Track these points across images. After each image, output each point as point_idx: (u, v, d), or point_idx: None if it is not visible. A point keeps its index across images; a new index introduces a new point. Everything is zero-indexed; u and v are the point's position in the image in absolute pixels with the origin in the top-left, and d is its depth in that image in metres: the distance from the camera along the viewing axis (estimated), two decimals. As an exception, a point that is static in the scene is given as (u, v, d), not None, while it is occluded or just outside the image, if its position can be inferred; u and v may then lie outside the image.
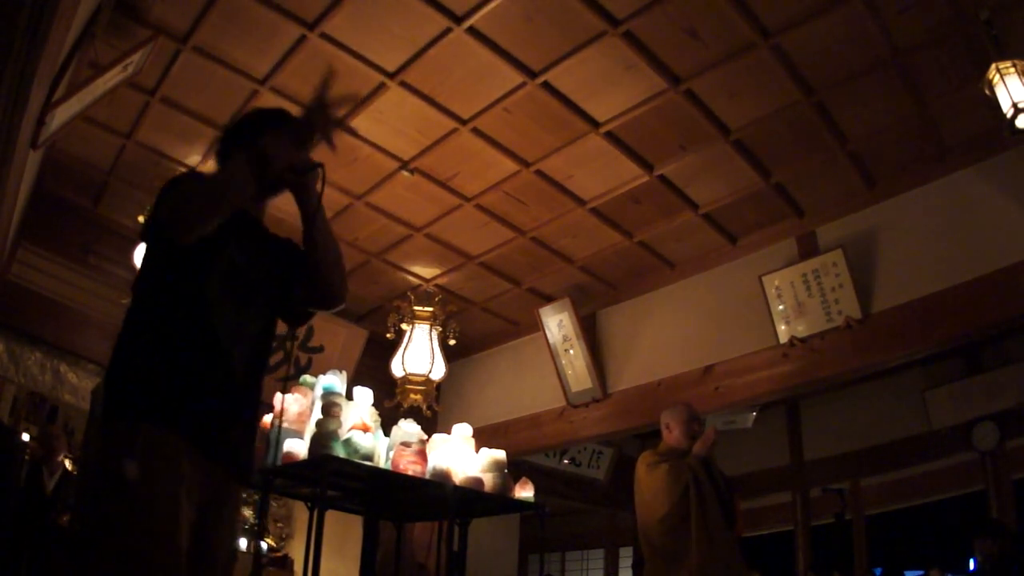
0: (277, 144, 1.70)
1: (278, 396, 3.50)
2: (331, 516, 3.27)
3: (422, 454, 3.40)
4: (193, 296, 1.64)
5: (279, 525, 6.05)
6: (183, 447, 1.55)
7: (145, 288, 1.71)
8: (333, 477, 3.24)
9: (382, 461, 3.34)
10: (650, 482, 3.52)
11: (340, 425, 3.26)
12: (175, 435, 1.55)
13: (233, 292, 1.70)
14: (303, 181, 1.76)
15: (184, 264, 1.64)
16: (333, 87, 1.73)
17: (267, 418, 3.47)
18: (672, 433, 3.67)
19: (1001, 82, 3.27)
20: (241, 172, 1.65)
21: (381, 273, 5.77)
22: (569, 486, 8.12)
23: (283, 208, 1.90)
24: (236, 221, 1.71)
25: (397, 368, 5.53)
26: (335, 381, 3.48)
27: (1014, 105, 3.24)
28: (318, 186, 1.77)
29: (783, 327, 4.74)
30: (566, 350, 5.73)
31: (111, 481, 1.50)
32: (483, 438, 4.50)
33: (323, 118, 1.74)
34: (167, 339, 1.62)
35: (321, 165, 1.77)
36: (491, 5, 3.46)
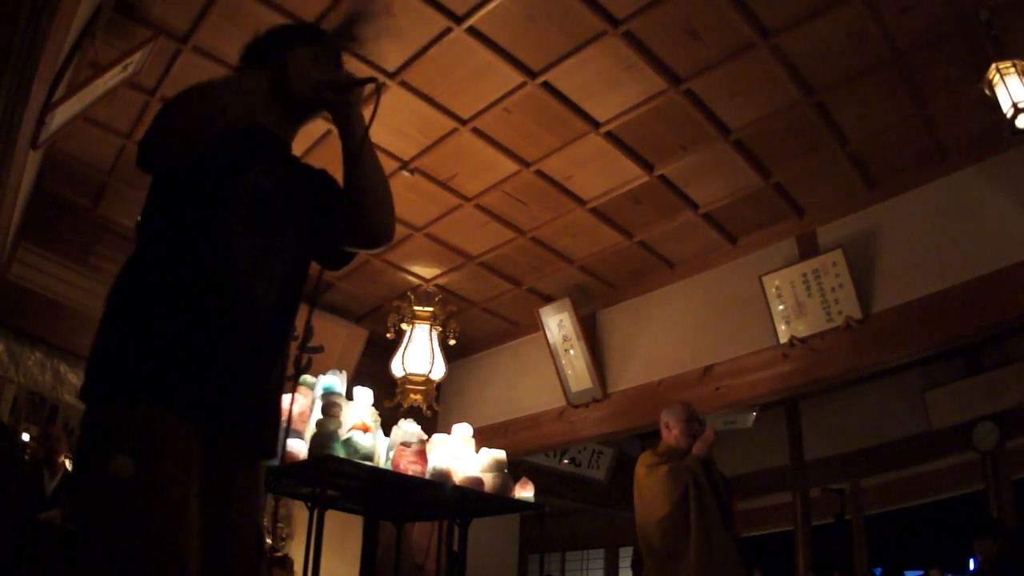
0: (304, 59, 1.53)
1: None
2: (331, 516, 3.27)
3: (422, 454, 3.40)
4: (208, 226, 1.38)
5: (279, 525, 6.05)
6: (192, 429, 1.29)
7: (149, 228, 1.44)
8: (333, 477, 3.24)
9: (382, 461, 3.34)
10: (649, 483, 3.52)
11: (340, 425, 3.25)
12: (181, 416, 1.28)
13: (257, 221, 1.43)
14: (347, 100, 1.53)
15: (198, 192, 1.39)
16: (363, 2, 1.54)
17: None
18: (672, 433, 3.67)
19: (1001, 82, 3.27)
20: (251, 82, 1.47)
21: (381, 273, 5.77)
22: (569, 486, 8.12)
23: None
24: (262, 143, 1.50)
25: (397, 368, 5.54)
26: (335, 381, 3.47)
27: (1014, 105, 3.24)
28: (367, 111, 1.52)
29: (783, 327, 4.74)
30: (566, 350, 5.73)
31: (103, 477, 1.19)
32: (483, 438, 4.50)
33: (354, 31, 1.56)
34: (174, 286, 1.34)
35: (373, 80, 1.53)
36: (491, 5, 3.46)
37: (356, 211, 1.58)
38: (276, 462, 1.55)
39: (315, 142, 4.36)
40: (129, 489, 1.20)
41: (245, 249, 1.40)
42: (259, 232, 1.44)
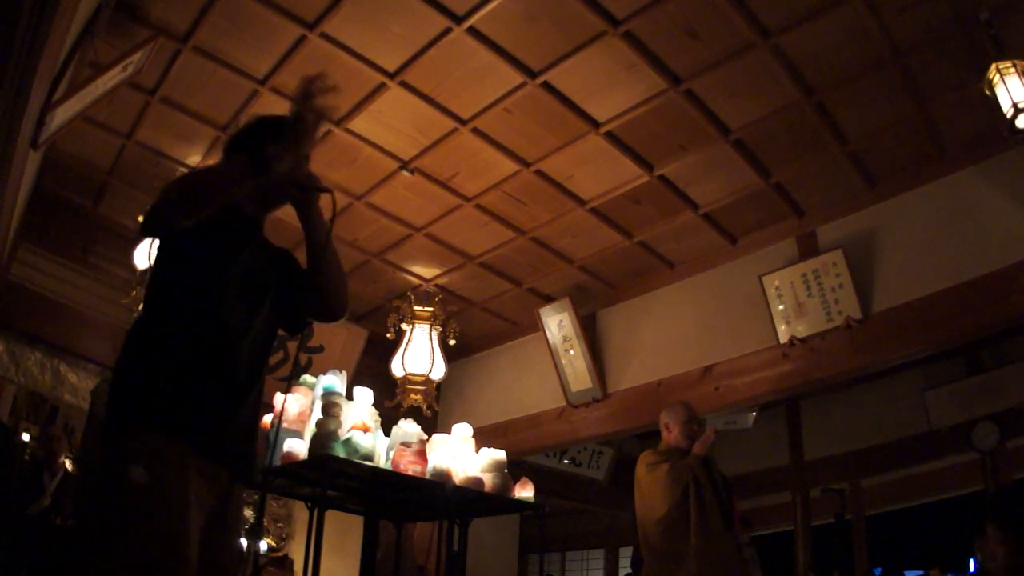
0: (279, 151, 1.74)
1: (278, 396, 3.50)
2: (331, 516, 3.27)
3: (422, 454, 3.40)
4: (209, 298, 1.69)
5: (279, 525, 6.05)
6: (190, 453, 1.59)
7: (156, 291, 1.76)
8: (333, 477, 3.24)
9: (382, 461, 3.34)
10: (650, 482, 3.52)
11: (340, 425, 3.25)
12: (181, 442, 1.58)
13: (245, 294, 1.76)
14: (307, 199, 1.78)
15: (201, 269, 1.71)
16: (316, 83, 1.72)
17: (267, 418, 3.47)
18: (671, 433, 3.67)
19: (1001, 82, 3.27)
20: (232, 171, 1.74)
21: (381, 273, 5.77)
22: (569, 486, 8.12)
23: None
24: (249, 229, 1.82)
25: (397, 368, 5.54)
26: (335, 381, 3.48)
27: (1014, 105, 3.24)
28: (327, 215, 1.79)
29: (783, 327, 4.74)
30: (566, 350, 5.73)
31: (119, 492, 1.52)
32: (483, 438, 4.50)
33: (309, 110, 1.73)
34: (176, 340, 1.66)
35: (329, 190, 1.78)
36: (491, 5, 3.46)
37: (318, 294, 1.90)
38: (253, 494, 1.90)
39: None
40: (142, 499, 1.50)
41: (236, 318, 1.73)
42: (246, 303, 1.77)
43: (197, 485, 1.58)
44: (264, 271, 1.85)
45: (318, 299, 1.91)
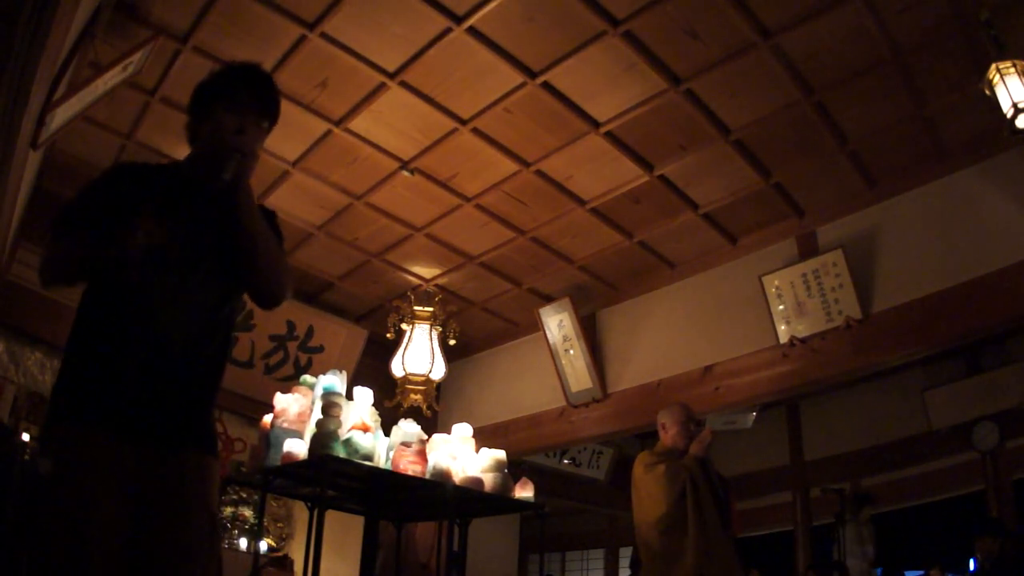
0: (212, 125, 1.73)
1: (278, 396, 3.50)
2: (331, 516, 3.27)
3: (422, 454, 3.40)
4: (116, 264, 1.58)
5: (279, 525, 6.05)
6: (104, 440, 1.52)
7: (83, 291, 1.70)
8: (333, 477, 3.24)
9: (382, 461, 3.34)
10: (647, 483, 3.52)
11: (340, 425, 3.25)
12: (94, 429, 1.52)
13: (169, 257, 1.63)
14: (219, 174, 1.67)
15: (108, 245, 1.58)
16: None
17: (267, 418, 3.47)
18: (668, 433, 3.67)
19: (1001, 82, 3.27)
20: (82, 248, 1.63)
21: (381, 273, 5.77)
22: (569, 486, 8.13)
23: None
24: (178, 189, 1.71)
25: (397, 368, 5.54)
26: (335, 381, 3.47)
27: (1014, 105, 3.24)
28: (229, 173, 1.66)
29: (783, 327, 4.74)
30: (566, 350, 5.73)
31: (33, 486, 1.59)
32: (483, 438, 4.50)
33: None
34: (94, 321, 1.63)
35: (232, 152, 1.67)
36: (491, 5, 3.46)
37: (244, 271, 1.74)
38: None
39: (315, 142, 4.37)
40: (47, 489, 1.50)
41: (155, 285, 1.62)
42: (170, 268, 1.64)
43: (121, 471, 1.51)
44: (199, 232, 1.69)
45: (246, 279, 1.75)
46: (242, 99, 1.74)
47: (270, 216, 1.87)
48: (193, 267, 1.67)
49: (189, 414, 1.67)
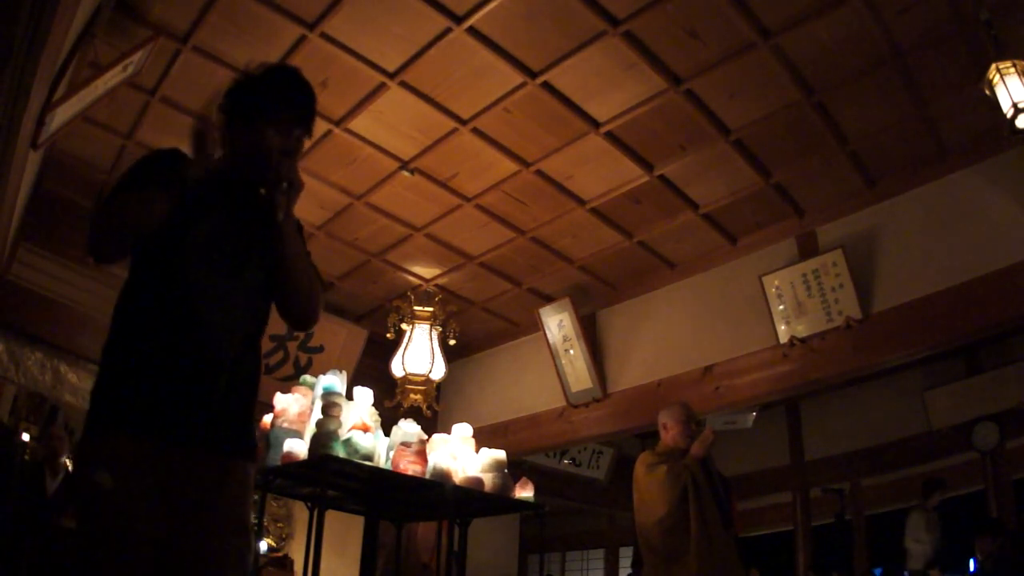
0: (254, 136, 1.67)
1: (278, 396, 3.51)
2: (331, 516, 3.27)
3: (422, 454, 3.40)
4: (169, 269, 1.57)
5: (279, 525, 6.05)
6: (150, 448, 1.49)
7: (124, 284, 1.64)
8: (333, 477, 3.24)
9: (382, 461, 3.34)
10: (649, 483, 3.52)
11: (340, 425, 3.25)
12: (141, 437, 1.49)
13: (215, 259, 1.61)
14: (270, 190, 1.64)
15: (157, 235, 1.56)
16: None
17: (267, 418, 3.47)
18: (669, 433, 3.67)
19: (1001, 82, 3.27)
20: (151, 195, 1.56)
21: (381, 273, 5.77)
22: (569, 486, 8.13)
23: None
24: (223, 188, 1.66)
25: (397, 368, 5.54)
26: (335, 381, 3.48)
27: (1014, 105, 3.24)
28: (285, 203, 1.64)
29: (783, 327, 4.74)
30: (566, 350, 5.73)
31: (77, 496, 1.54)
32: (483, 438, 4.50)
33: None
34: (139, 325, 1.56)
35: (286, 188, 1.63)
36: (491, 5, 3.46)
37: (279, 292, 1.72)
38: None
39: (315, 142, 4.37)
40: (89, 503, 1.48)
41: (205, 288, 1.58)
42: (218, 270, 1.61)
43: (163, 478, 1.48)
44: (244, 235, 1.65)
45: (279, 298, 1.73)
46: (287, 117, 1.70)
47: (299, 229, 1.83)
48: (239, 271, 1.65)
49: (235, 421, 1.64)
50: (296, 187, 1.65)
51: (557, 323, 5.74)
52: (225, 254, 1.62)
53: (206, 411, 1.56)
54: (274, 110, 1.68)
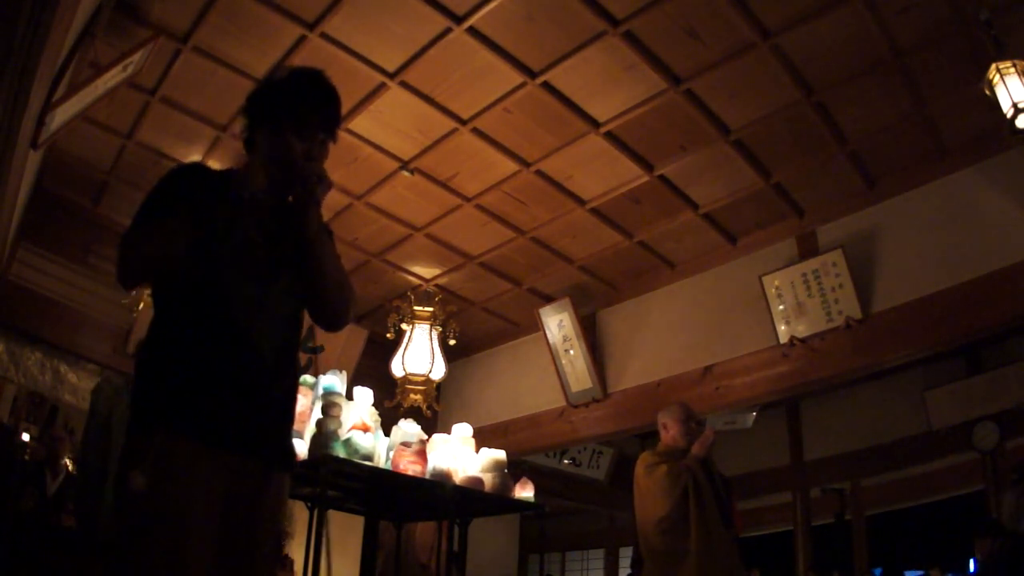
0: (281, 144, 1.69)
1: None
2: (331, 516, 3.27)
3: (422, 454, 3.40)
4: (203, 272, 1.57)
5: (279, 525, 6.04)
6: (199, 451, 1.49)
7: (159, 288, 1.65)
8: (333, 477, 3.24)
9: (382, 461, 3.34)
10: (649, 483, 3.51)
11: (340, 425, 3.25)
12: (189, 439, 1.49)
13: (250, 267, 1.62)
14: (301, 193, 1.67)
15: (193, 252, 1.56)
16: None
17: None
18: (669, 432, 3.67)
19: (1001, 82, 3.27)
20: (175, 225, 1.57)
21: (381, 273, 5.77)
22: (569, 486, 8.13)
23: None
24: (248, 202, 1.65)
25: (397, 368, 5.54)
26: (335, 381, 3.48)
27: (1014, 105, 3.24)
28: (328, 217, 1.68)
29: (783, 327, 4.74)
30: (566, 350, 5.73)
31: (124, 496, 1.48)
32: (483, 438, 4.50)
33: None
34: (180, 333, 1.57)
35: (315, 187, 1.68)
36: (491, 5, 3.46)
37: (311, 296, 1.73)
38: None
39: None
40: (141, 503, 1.45)
41: (241, 296, 1.59)
42: (254, 277, 1.62)
43: (211, 483, 1.49)
44: (276, 242, 1.66)
45: (311, 302, 1.74)
46: (312, 123, 1.71)
47: (329, 233, 1.85)
48: (273, 278, 1.65)
49: (275, 427, 1.64)
50: (325, 185, 1.69)
51: (557, 323, 5.74)
52: (258, 260, 1.63)
53: (250, 419, 1.57)
54: (298, 115, 1.69)
